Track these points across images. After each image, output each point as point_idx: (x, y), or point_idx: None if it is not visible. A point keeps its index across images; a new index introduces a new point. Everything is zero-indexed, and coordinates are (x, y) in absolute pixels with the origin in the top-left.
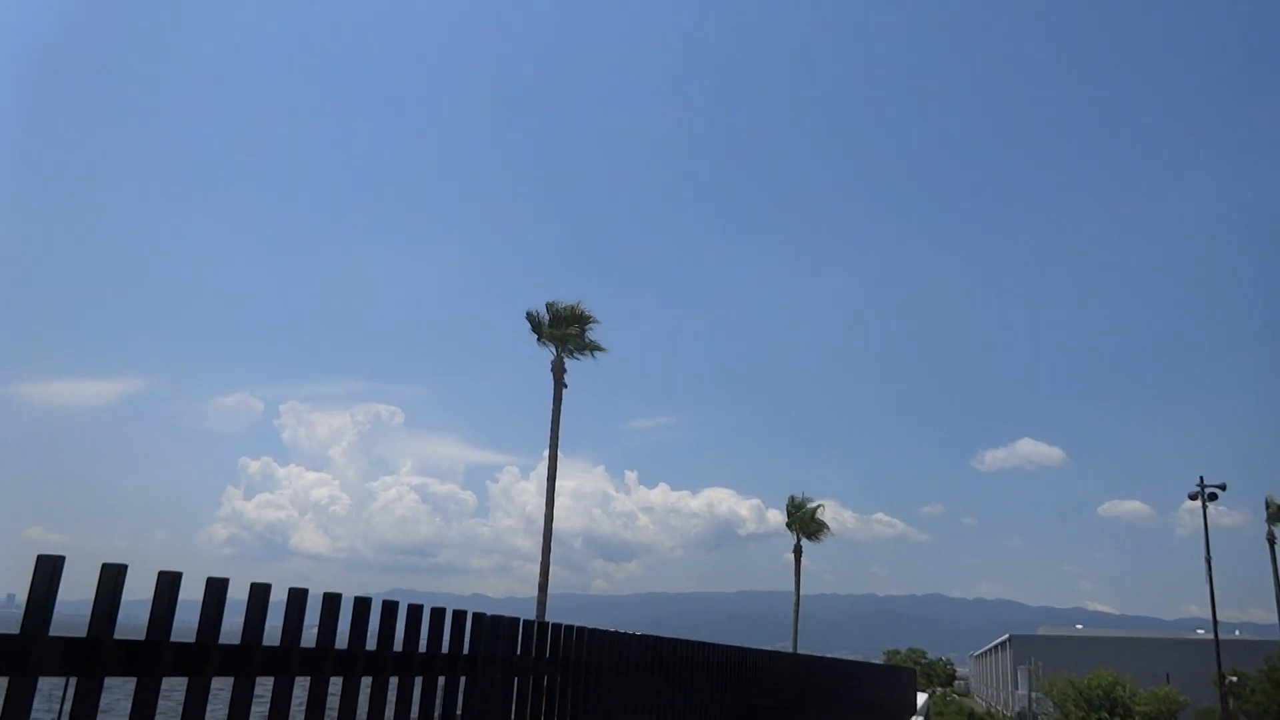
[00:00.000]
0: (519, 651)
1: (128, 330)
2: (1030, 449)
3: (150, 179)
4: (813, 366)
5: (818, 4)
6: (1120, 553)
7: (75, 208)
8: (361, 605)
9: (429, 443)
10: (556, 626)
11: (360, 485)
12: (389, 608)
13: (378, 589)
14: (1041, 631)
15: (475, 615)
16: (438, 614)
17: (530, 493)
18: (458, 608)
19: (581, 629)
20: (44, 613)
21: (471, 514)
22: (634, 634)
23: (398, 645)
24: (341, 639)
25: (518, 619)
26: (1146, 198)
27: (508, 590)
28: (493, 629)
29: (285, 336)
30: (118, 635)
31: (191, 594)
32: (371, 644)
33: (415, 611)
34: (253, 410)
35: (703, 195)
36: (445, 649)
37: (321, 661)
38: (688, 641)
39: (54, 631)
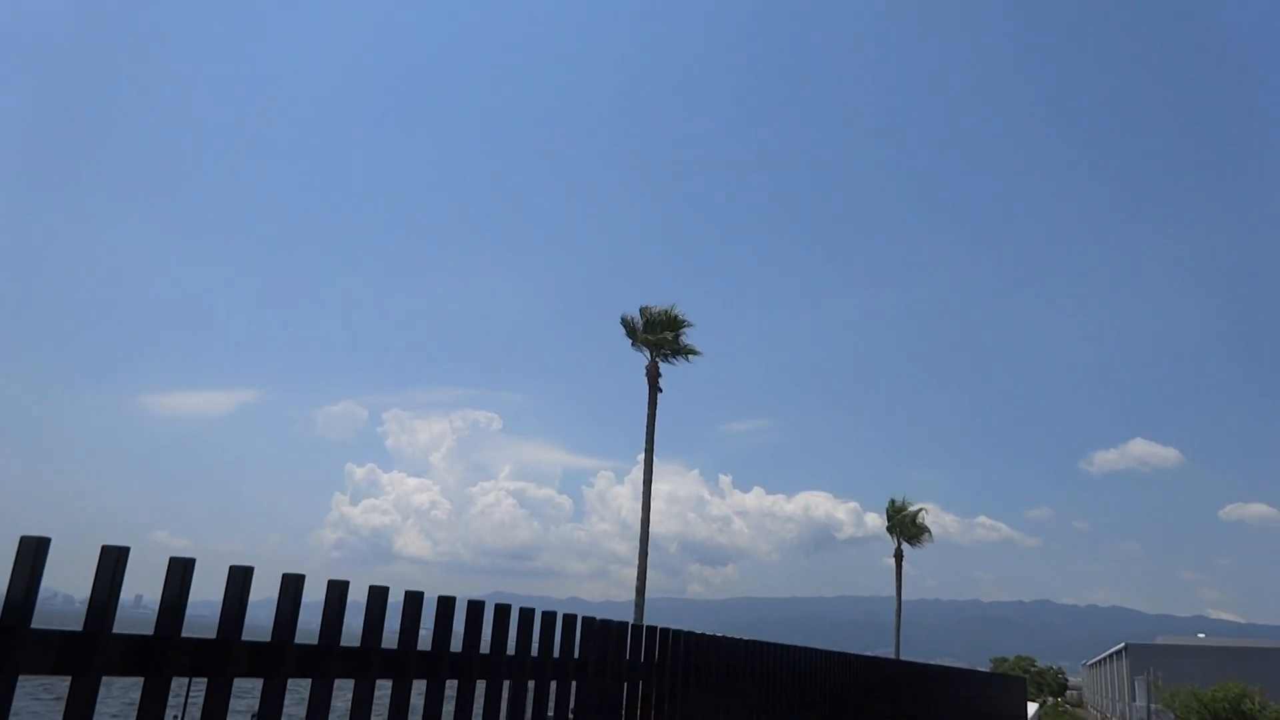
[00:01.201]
0: (627, 656)
1: (243, 343)
2: (1143, 449)
3: (260, 198)
4: (911, 367)
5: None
6: (1245, 558)
7: (188, 227)
8: (475, 609)
9: (526, 448)
10: (664, 631)
11: (460, 490)
12: (501, 611)
13: (478, 592)
14: (1160, 640)
15: (585, 619)
16: (548, 618)
17: (625, 497)
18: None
19: (686, 633)
20: (176, 615)
21: (568, 518)
22: (737, 639)
23: (510, 649)
24: (456, 640)
25: (625, 623)
26: (1267, 182)
27: (605, 594)
28: (602, 633)
29: (387, 346)
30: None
31: (305, 596)
32: (483, 648)
33: (527, 615)
34: (358, 418)
35: (795, 200)
36: (556, 653)
37: (438, 664)
38: (790, 646)
39: (182, 631)
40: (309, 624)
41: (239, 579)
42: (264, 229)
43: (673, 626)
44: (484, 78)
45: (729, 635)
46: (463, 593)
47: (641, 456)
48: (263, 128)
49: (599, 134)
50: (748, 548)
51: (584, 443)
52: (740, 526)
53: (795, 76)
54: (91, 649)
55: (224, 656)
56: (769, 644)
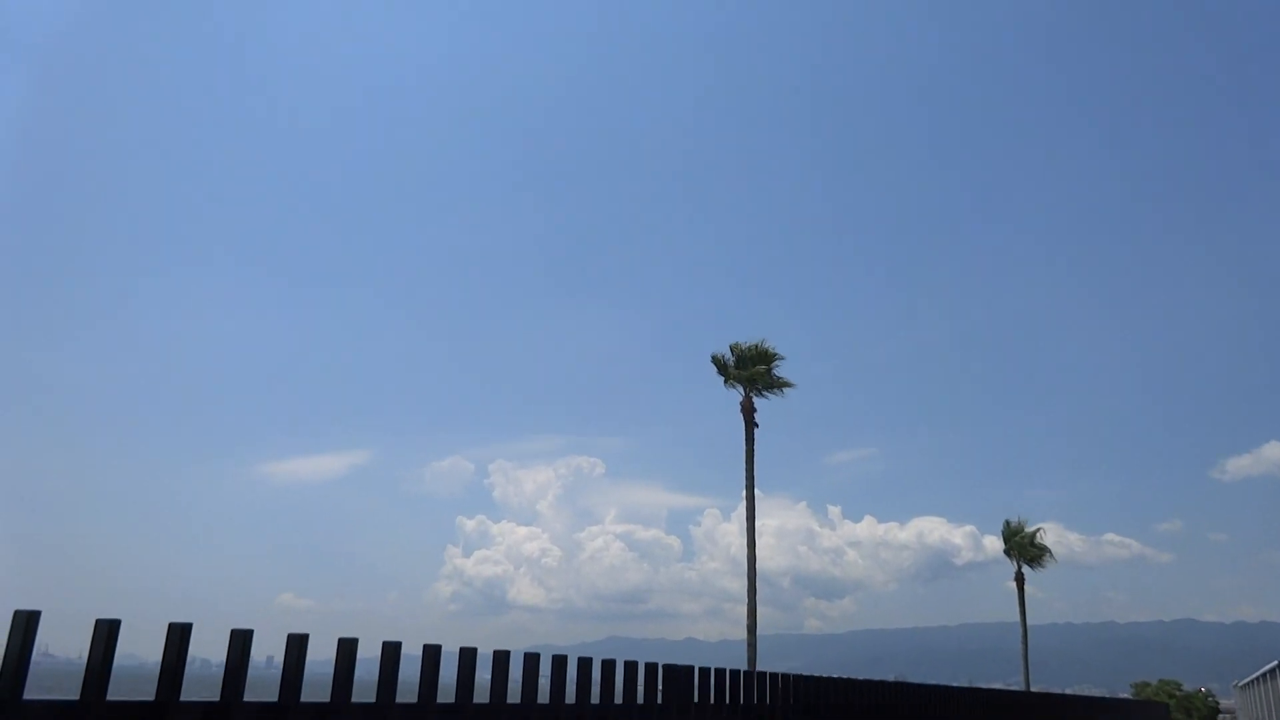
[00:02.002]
0: (711, 699)
1: (348, 405)
2: None
3: (352, 265)
4: (1017, 381)
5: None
6: None
7: (294, 300)
8: (584, 664)
9: (630, 490)
10: (749, 673)
11: (568, 536)
12: (583, 663)
13: (593, 637)
14: None
15: (666, 667)
16: (629, 668)
17: (733, 534)
18: (671, 654)
19: (786, 675)
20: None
21: (678, 558)
22: (842, 679)
23: (617, 698)
24: (543, 694)
25: (692, 667)
26: None
27: (720, 634)
28: (674, 678)
29: (487, 400)
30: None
31: (415, 649)
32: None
33: (585, 665)
34: (464, 471)
35: (872, 219)
36: (640, 699)
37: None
38: (901, 683)
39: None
40: (407, 680)
41: (347, 649)
42: (356, 290)
43: (790, 663)
44: (559, 128)
45: (848, 670)
46: (578, 639)
47: (745, 493)
48: (351, 186)
49: (670, 175)
50: (863, 579)
51: (687, 482)
52: (853, 557)
53: (863, 100)
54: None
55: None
56: (877, 682)
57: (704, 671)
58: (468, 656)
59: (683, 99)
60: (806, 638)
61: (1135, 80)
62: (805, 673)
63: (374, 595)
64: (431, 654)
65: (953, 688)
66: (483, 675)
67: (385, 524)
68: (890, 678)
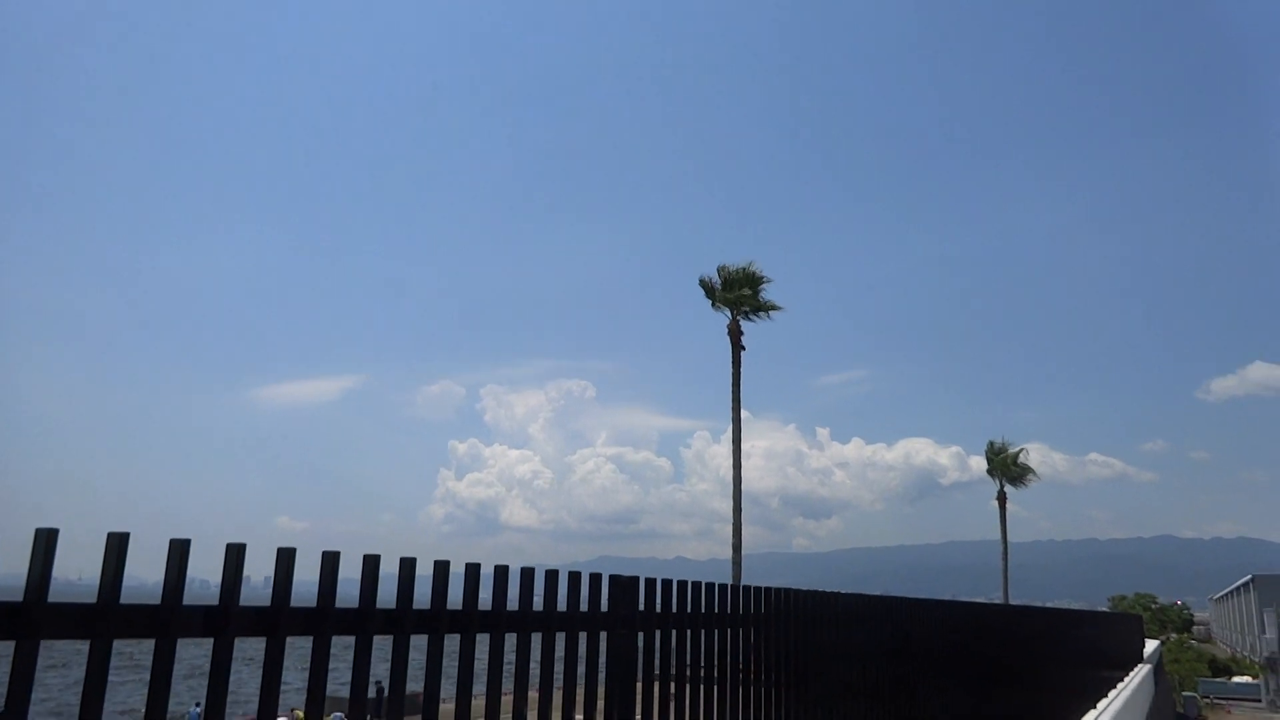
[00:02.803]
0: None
1: (340, 333)
2: (1265, 373)
3: (337, 188)
4: (1004, 305)
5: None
6: None
7: (272, 222)
8: (565, 578)
9: (621, 414)
10: (748, 589)
11: (560, 459)
12: (573, 578)
13: (584, 557)
14: None
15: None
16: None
17: (723, 456)
18: (660, 571)
19: (767, 589)
20: (285, 590)
21: (668, 480)
22: (814, 591)
23: (603, 606)
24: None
25: (652, 579)
26: None
27: (709, 553)
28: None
29: (477, 324)
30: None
31: (396, 569)
32: (571, 606)
33: (574, 579)
34: (455, 396)
35: (864, 149)
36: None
37: (547, 620)
38: (877, 596)
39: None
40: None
41: (330, 561)
42: (349, 216)
43: (777, 580)
44: (554, 58)
45: (834, 588)
46: (569, 558)
47: (731, 415)
48: (346, 113)
49: (663, 103)
50: (850, 499)
51: (677, 405)
52: (841, 478)
53: (848, 30)
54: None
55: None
56: (846, 594)
57: (649, 581)
58: (441, 570)
59: (673, 19)
60: (795, 556)
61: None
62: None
63: (369, 517)
64: (408, 567)
65: (925, 600)
66: (455, 593)
67: (378, 448)
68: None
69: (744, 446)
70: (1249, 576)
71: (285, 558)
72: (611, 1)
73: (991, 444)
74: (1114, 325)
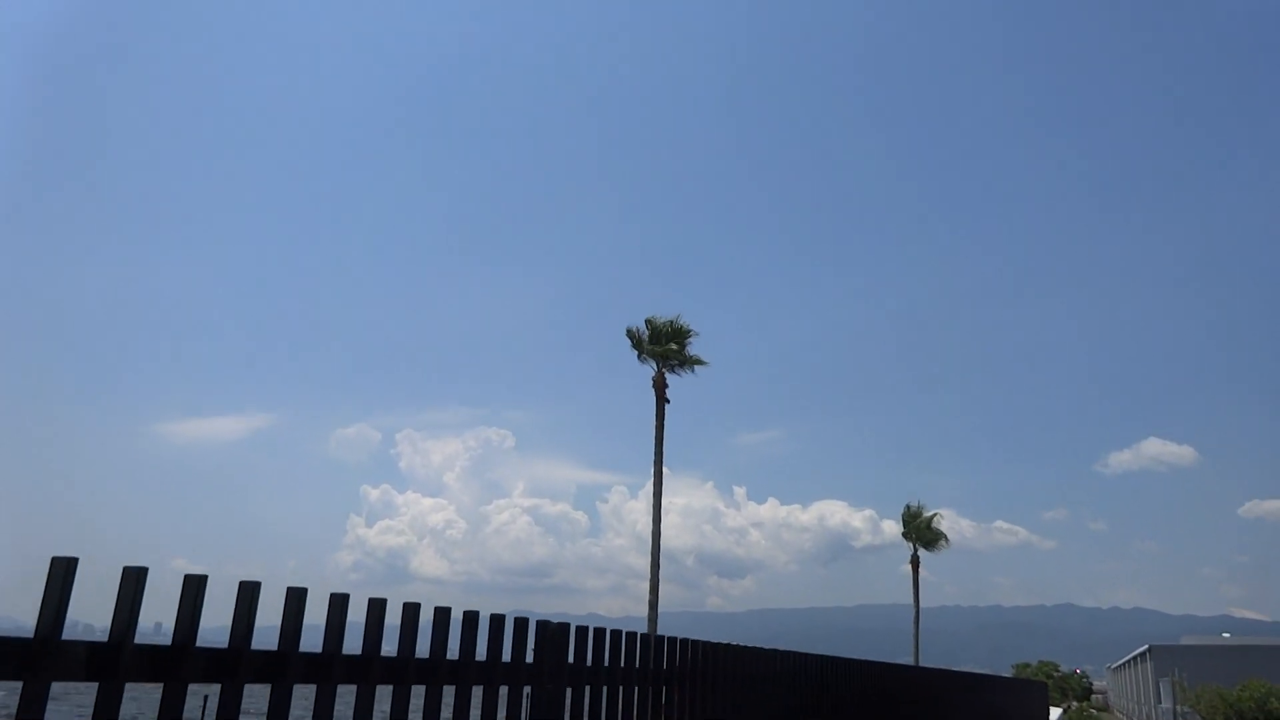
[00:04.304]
0: (638, 663)
1: (252, 368)
2: (1158, 449)
3: (261, 217)
4: (918, 372)
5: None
6: (1267, 555)
7: (188, 246)
8: (477, 621)
9: (540, 465)
10: (672, 640)
11: (475, 509)
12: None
13: (496, 610)
14: (1184, 641)
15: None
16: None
17: (640, 511)
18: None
19: (685, 640)
20: (190, 628)
21: (584, 534)
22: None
23: (512, 657)
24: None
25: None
26: (1269, 177)
27: (623, 610)
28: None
29: (396, 368)
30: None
31: (317, 618)
32: (493, 656)
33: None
34: (371, 440)
35: (792, 207)
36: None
37: (434, 672)
38: (798, 653)
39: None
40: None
41: (248, 593)
42: (265, 250)
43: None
44: (476, 95)
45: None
46: (481, 611)
47: (654, 468)
48: (263, 146)
49: (594, 147)
50: (765, 559)
51: (597, 458)
52: (757, 538)
53: (788, 81)
54: (117, 658)
55: (235, 663)
56: (769, 650)
57: (581, 630)
58: (338, 602)
59: (602, 67)
60: (708, 615)
61: (1072, 76)
62: None
63: (273, 562)
64: (338, 604)
65: (847, 659)
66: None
67: (286, 490)
68: None
69: (663, 503)
70: (1145, 646)
71: (193, 585)
72: (538, 45)
73: (908, 507)
74: (1023, 393)
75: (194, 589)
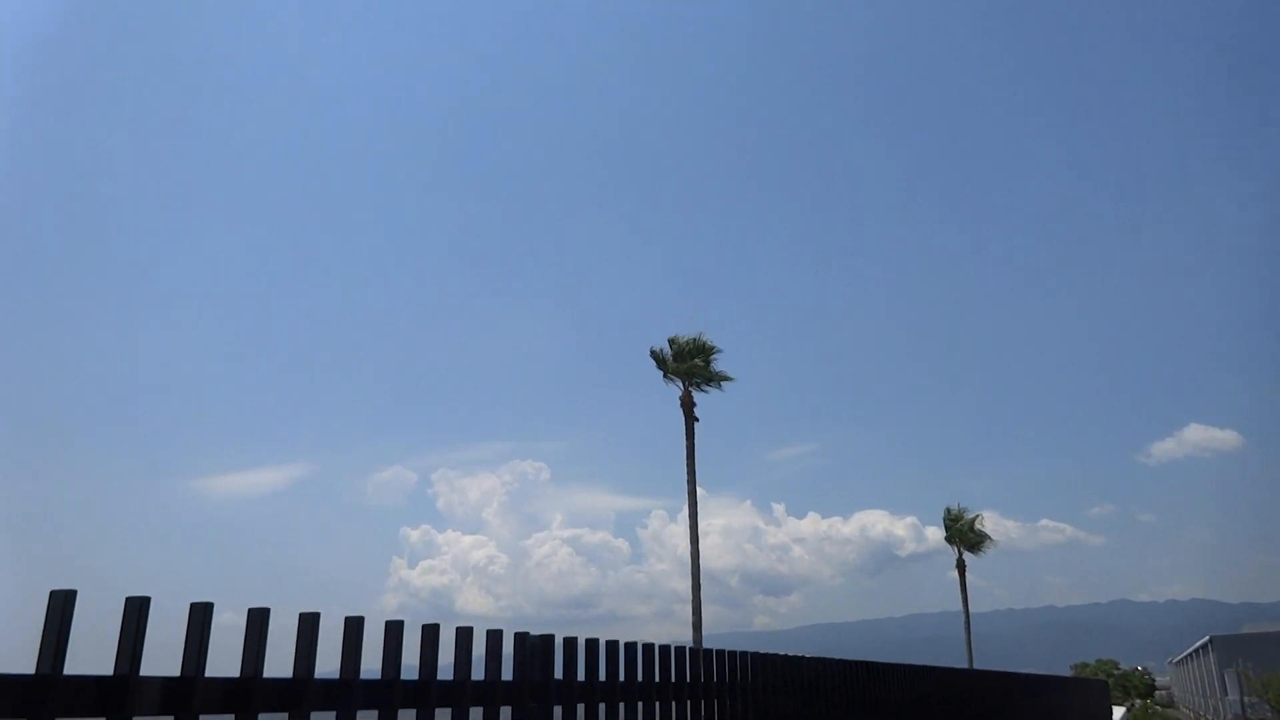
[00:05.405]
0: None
1: (285, 419)
2: (1200, 435)
3: (276, 271)
4: (947, 374)
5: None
6: None
7: (212, 307)
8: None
9: (577, 494)
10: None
11: (515, 543)
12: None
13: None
14: (1246, 629)
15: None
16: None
17: (680, 535)
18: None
19: (722, 651)
20: (198, 657)
21: (626, 561)
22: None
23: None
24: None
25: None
26: None
27: (670, 635)
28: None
29: (425, 409)
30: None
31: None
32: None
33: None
34: (407, 482)
35: (809, 215)
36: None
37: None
38: (848, 661)
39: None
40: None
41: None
42: (288, 300)
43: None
44: (483, 122)
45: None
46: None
47: (687, 489)
48: (279, 191)
49: (602, 167)
50: (809, 574)
51: (633, 483)
52: (800, 553)
53: (795, 86)
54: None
55: (248, 695)
56: (816, 659)
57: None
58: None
59: (614, 89)
60: (756, 635)
61: (1075, 72)
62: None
63: (320, 610)
64: (354, 626)
65: (905, 665)
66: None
67: (327, 537)
68: None
69: (701, 524)
70: (1207, 638)
71: (200, 614)
72: (551, 66)
73: (949, 510)
74: (1056, 388)
75: (201, 617)
